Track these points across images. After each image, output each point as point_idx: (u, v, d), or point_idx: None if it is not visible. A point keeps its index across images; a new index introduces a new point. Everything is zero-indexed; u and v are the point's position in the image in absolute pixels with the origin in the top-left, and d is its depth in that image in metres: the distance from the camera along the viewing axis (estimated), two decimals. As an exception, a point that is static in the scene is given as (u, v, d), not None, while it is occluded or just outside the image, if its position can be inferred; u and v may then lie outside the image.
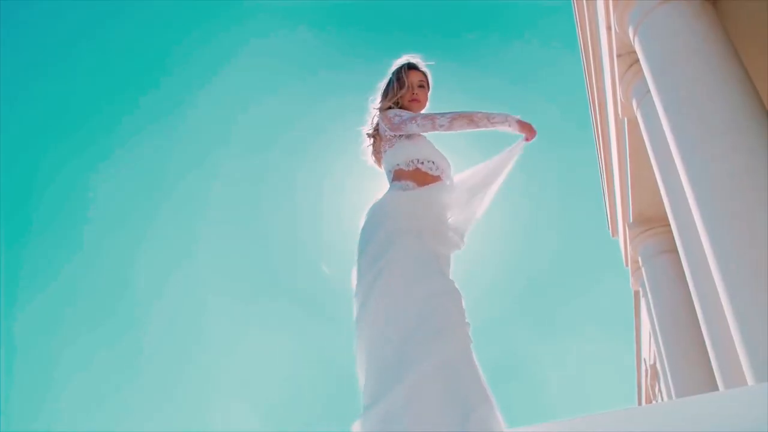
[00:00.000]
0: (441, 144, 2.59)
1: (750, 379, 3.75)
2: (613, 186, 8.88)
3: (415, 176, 2.43)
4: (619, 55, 6.21)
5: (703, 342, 5.59)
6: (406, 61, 2.66)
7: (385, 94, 2.62)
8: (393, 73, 2.65)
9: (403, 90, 2.59)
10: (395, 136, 2.49)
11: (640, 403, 12.96)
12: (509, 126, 2.40)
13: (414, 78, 2.62)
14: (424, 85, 2.64)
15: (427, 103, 2.68)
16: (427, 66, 2.70)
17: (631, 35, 5.41)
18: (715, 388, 5.75)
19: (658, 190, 6.31)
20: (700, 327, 5.65)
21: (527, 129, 2.41)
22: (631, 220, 8.48)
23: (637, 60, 5.59)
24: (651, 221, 8.24)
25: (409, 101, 2.60)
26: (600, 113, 8.23)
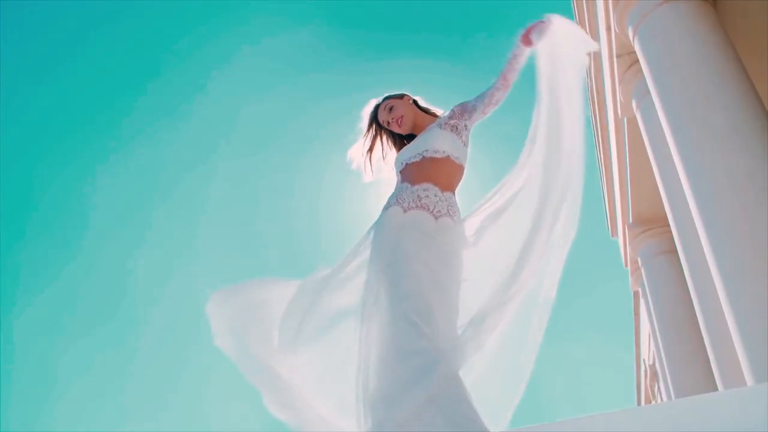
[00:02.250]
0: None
1: (749, 380, 3.75)
2: (613, 186, 8.88)
3: None
4: (618, 56, 6.21)
5: (703, 342, 5.59)
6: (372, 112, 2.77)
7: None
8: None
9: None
10: None
11: (639, 404, 12.95)
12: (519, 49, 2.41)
13: (382, 116, 2.72)
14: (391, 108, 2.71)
15: (411, 107, 2.73)
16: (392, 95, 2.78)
17: (630, 36, 5.41)
18: (715, 388, 5.75)
19: (658, 191, 6.31)
20: (699, 327, 5.65)
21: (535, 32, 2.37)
22: (630, 221, 8.48)
23: (637, 60, 5.59)
24: (650, 222, 8.24)
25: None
26: (600, 113, 8.23)
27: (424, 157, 2.46)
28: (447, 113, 2.62)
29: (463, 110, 2.58)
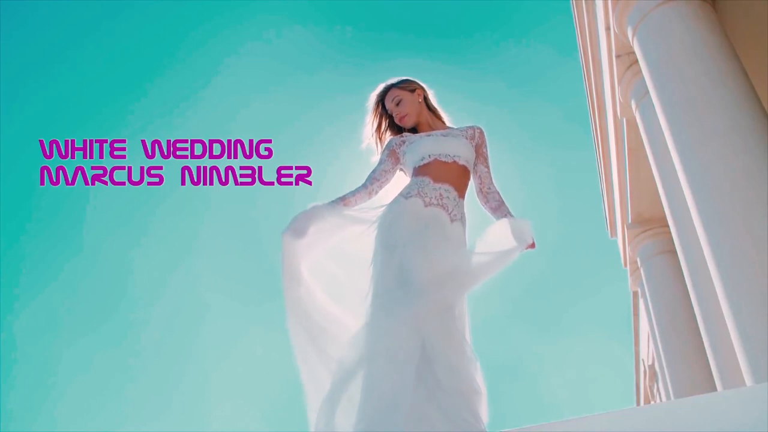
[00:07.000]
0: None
1: (748, 380, 3.75)
2: (612, 187, 8.88)
3: None
4: (618, 56, 6.20)
5: (702, 342, 5.59)
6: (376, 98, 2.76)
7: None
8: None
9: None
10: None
11: (638, 404, 12.96)
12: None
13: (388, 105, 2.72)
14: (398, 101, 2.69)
15: (418, 106, 2.70)
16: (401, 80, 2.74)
17: (630, 36, 5.41)
18: (714, 388, 5.75)
19: (657, 191, 6.31)
20: (698, 327, 5.65)
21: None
22: (629, 221, 8.48)
23: (636, 61, 5.59)
24: (650, 222, 8.24)
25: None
26: (599, 114, 8.23)
27: (456, 161, 2.49)
28: (466, 127, 2.68)
29: (481, 143, 2.66)
